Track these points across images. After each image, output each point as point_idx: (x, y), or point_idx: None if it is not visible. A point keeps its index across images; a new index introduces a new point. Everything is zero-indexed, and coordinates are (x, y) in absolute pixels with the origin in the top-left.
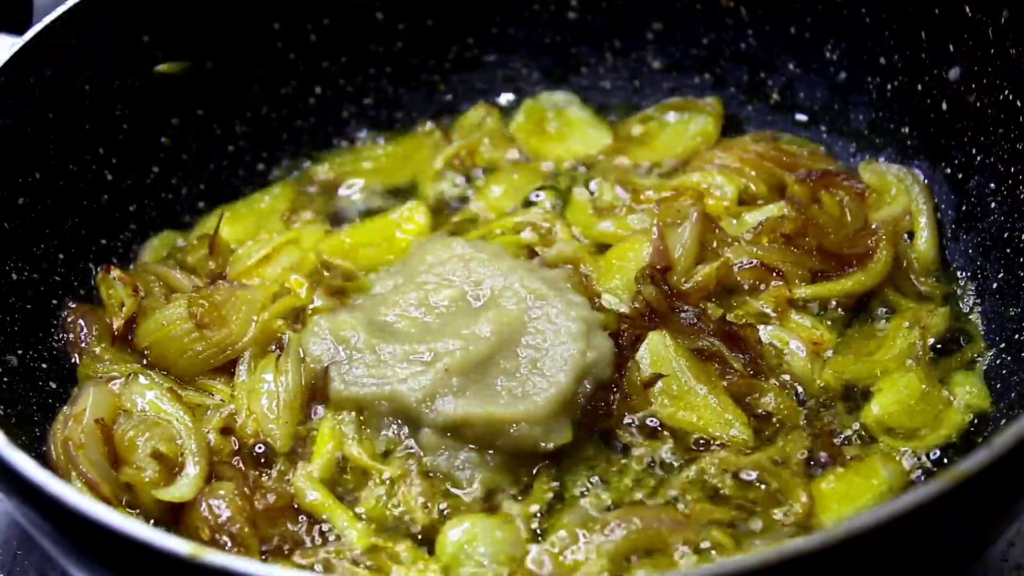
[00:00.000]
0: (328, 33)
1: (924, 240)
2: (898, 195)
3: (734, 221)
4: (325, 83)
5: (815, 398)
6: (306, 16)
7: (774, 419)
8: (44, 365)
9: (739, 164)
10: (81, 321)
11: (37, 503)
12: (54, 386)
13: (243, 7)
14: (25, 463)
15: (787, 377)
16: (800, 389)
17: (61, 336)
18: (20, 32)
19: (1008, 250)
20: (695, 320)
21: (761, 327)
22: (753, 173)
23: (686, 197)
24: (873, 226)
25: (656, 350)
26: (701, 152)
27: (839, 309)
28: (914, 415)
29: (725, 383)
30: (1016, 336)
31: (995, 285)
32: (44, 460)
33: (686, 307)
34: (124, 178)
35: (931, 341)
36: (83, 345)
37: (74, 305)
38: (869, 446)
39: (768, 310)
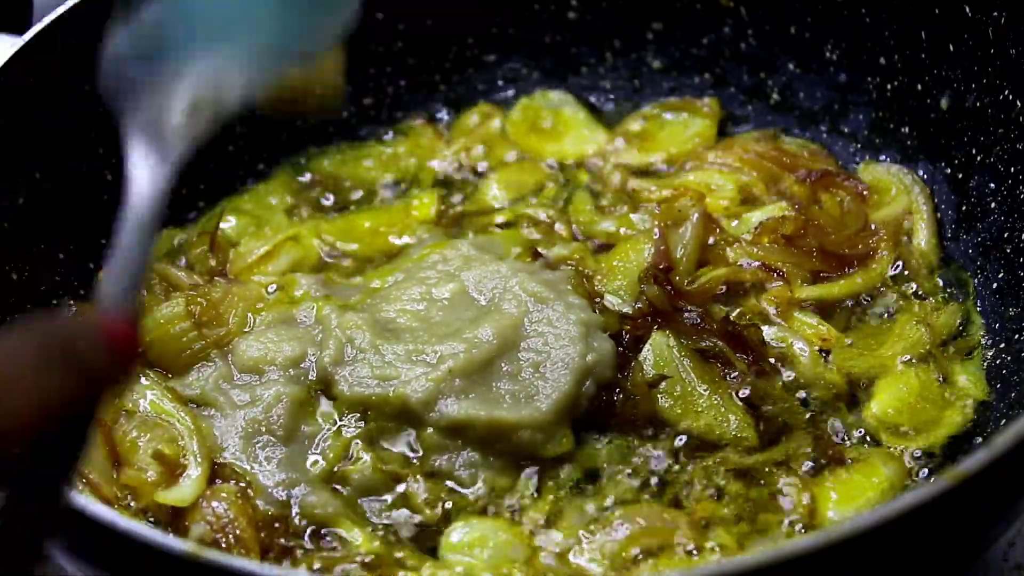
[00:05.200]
0: None
1: (924, 239)
2: (898, 195)
3: (734, 222)
4: None
5: (819, 398)
6: None
7: (778, 419)
8: None
9: (739, 164)
10: None
11: None
12: None
13: None
14: None
15: (791, 377)
16: (804, 389)
17: None
18: (20, 32)
19: (1008, 250)
20: (699, 320)
21: (765, 327)
22: (754, 173)
23: (687, 197)
24: (873, 226)
25: (660, 351)
26: (700, 152)
27: (841, 309)
28: (915, 413)
29: (728, 383)
30: (1016, 336)
31: (995, 285)
32: None
33: (689, 307)
34: (124, 178)
35: (938, 339)
36: None
37: (74, 305)
38: (871, 445)
39: (771, 309)
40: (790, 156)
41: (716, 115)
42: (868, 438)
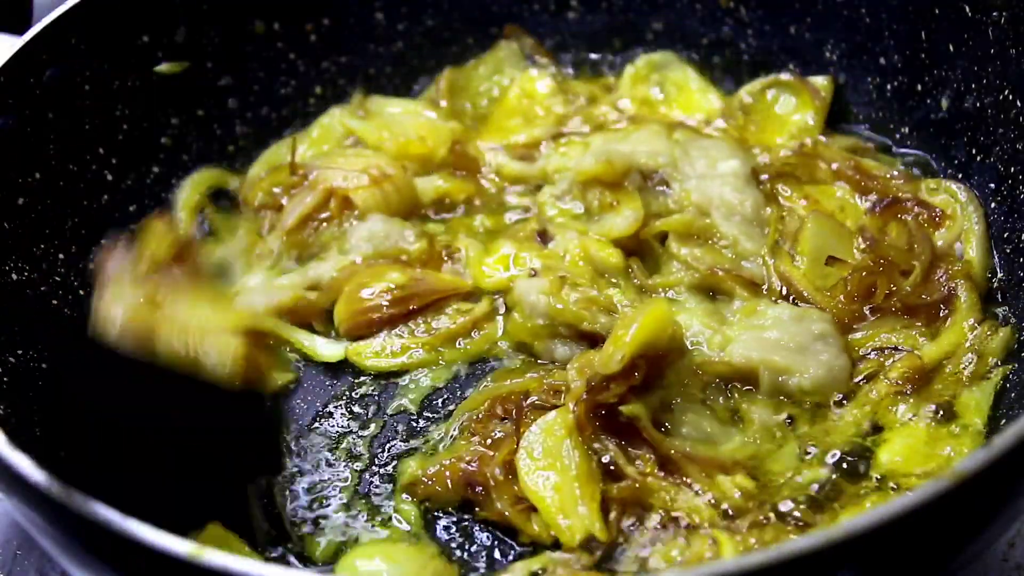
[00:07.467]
0: (328, 33)
1: (977, 261)
2: (953, 215)
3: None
4: (325, 83)
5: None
6: (306, 16)
7: None
8: (44, 365)
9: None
10: None
11: (36, 503)
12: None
13: (243, 8)
14: (25, 463)
15: None
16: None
17: None
18: (20, 32)
19: (1008, 250)
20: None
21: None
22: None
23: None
24: (939, 249)
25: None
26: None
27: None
28: (925, 457)
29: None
30: (1016, 336)
31: (995, 285)
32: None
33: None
34: (124, 178)
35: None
36: None
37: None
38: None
39: (905, 386)
40: (867, 176)
41: (826, 102)
42: (886, 485)
